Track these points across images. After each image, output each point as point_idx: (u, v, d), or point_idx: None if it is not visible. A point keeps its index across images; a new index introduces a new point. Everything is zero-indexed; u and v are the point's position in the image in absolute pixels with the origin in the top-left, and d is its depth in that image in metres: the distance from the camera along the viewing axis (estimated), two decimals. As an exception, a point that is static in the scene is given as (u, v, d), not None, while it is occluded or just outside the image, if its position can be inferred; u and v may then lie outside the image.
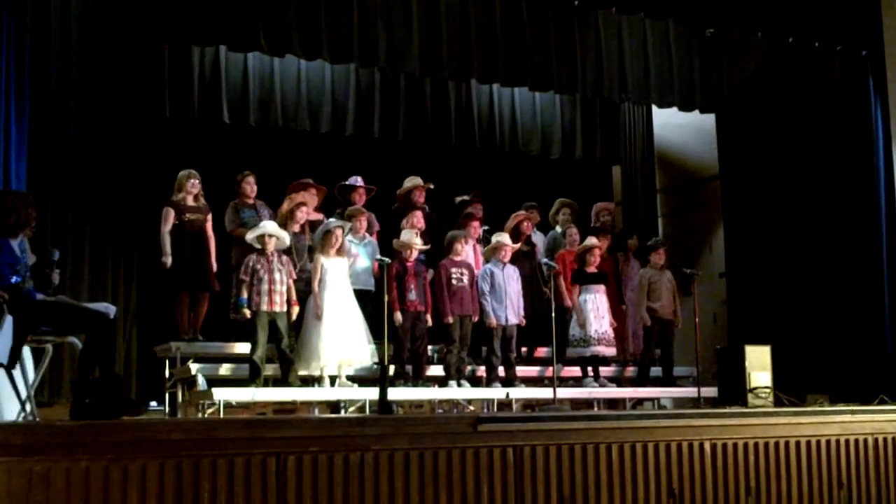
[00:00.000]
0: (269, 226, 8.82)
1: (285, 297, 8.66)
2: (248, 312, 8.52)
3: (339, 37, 9.27)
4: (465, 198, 10.73)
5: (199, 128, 10.86)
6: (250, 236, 8.73)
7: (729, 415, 7.10)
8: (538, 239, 10.84)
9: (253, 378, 8.45)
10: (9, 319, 5.93)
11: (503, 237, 9.76)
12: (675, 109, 11.33)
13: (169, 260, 9.13)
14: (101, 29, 9.32)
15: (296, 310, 8.75)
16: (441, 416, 7.80)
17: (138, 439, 5.00)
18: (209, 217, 9.40)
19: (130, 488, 4.87)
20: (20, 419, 6.13)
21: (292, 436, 5.36)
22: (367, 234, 9.66)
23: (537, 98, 12.57)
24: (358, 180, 10.15)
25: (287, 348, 8.63)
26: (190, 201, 9.28)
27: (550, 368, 9.47)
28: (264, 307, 8.54)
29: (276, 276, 8.62)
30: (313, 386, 8.78)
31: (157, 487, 4.93)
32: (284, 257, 8.81)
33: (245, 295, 8.56)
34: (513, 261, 9.78)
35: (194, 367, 8.64)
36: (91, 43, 9.31)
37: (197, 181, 9.30)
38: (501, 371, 9.53)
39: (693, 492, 6.48)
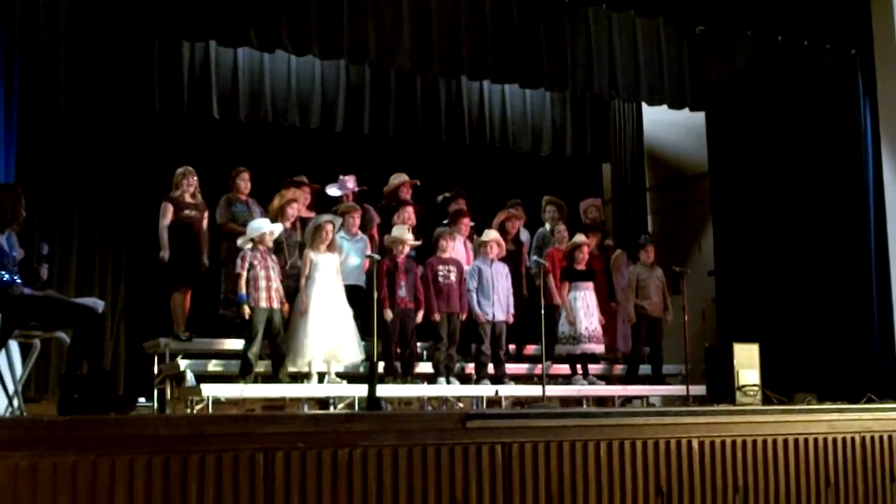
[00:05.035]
0: (264, 224, 8.71)
1: (281, 293, 8.62)
2: (248, 310, 8.40)
3: (329, 32, 9.23)
4: (447, 195, 10.70)
5: (189, 123, 10.81)
6: (243, 240, 8.60)
7: (717, 413, 7.12)
8: (525, 237, 10.83)
9: (244, 374, 8.40)
10: (-4, 314, 5.92)
11: (489, 234, 9.75)
12: (665, 107, 11.31)
13: (167, 254, 9.09)
14: (91, 23, 9.27)
15: (286, 307, 8.71)
16: (429, 413, 7.81)
17: (126, 435, 4.98)
18: (205, 215, 9.38)
19: (118, 484, 4.85)
20: (7, 414, 6.11)
21: (281, 432, 5.34)
22: (359, 232, 9.62)
23: (527, 95, 12.55)
24: (349, 180, 10.11)
25: (282, 343, 8.59)
26: (188, 198, 9.25)
27: (539, 366, 9.46)
28: (263, 304, 8.47)
29: (272, 272, 8.57)
30: (302, 382, 8.76)
31: (145, 483, 4.91)
32: (274, 255, 8.77)
33: (244, 291, 8.43)
34: (500, 259, 9.76)
35: (183, 363, 8.60)
36: (80, 37, 9.27)
37: (193, 178, 9.25)
38: (490, 368, 9.52)
39: (681, 489, 6.48)
